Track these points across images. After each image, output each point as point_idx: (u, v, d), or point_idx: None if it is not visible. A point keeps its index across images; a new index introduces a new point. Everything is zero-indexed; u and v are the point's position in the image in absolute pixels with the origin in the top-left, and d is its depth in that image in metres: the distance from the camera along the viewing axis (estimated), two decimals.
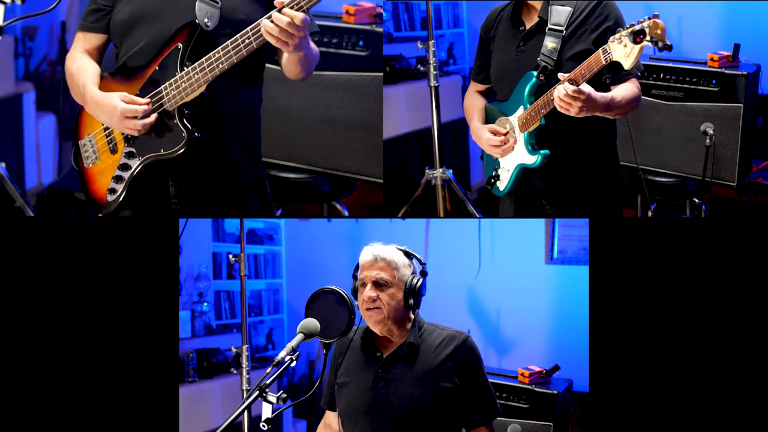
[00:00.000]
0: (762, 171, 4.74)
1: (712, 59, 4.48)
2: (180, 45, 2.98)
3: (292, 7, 2.82)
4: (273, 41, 2.84)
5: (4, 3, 2.87)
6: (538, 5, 3.26)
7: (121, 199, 3.11)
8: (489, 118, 3.44)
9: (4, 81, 5.00)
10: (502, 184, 3.41)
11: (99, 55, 3.22)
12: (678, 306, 3.21)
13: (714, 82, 4.44)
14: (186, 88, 2.97)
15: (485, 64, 3.46)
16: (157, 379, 3.25)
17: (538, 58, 3.20)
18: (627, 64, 2.92)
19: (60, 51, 5.29)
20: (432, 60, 4.37)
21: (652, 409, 3.20)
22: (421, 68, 4.97)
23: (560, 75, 3.06)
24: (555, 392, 4.29)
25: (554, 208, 3.36)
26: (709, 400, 3.18)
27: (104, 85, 3.11)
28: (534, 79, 3.20)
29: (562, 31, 3.19)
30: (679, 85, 4.52)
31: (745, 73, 4.41)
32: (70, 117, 3.24)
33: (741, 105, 4.38)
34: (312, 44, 3.03)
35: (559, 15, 3.20)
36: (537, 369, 4.39)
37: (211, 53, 2.93)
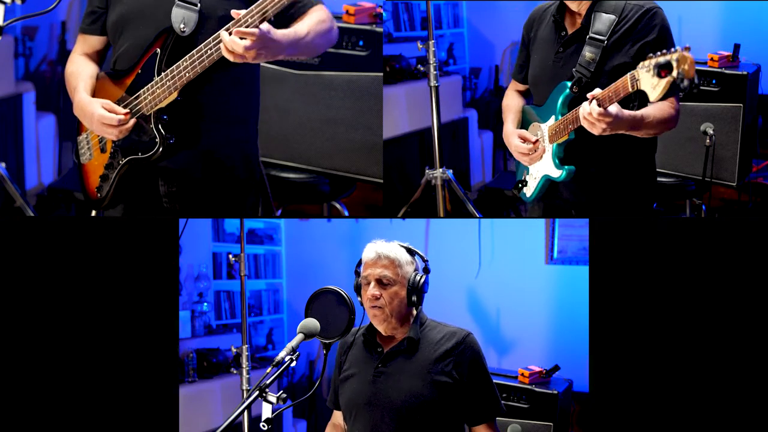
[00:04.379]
0: (762, 171, 4.74)
1: (712, 59, 4.47)
2: (158, 50, 3.00)
3: (242, 25, 2.79)
4: (230, 58, 2.82)
5: (4, 3, 2.88)
6: (581, 9, 3.10)
7: (108, 196, 3.15)
8: (524, 121, 3.36)
9: (4, 81, 4.99)
10: (529, 191, 3.35)
11: (98, 56, 3.24)
12: (678, 306, 3.20)
13: (714, 82, 4.44)
14: (159, 95, 2.99)
15: (525, 64, 3.35)
16: (157, 379, 3.25)
17: (574, 69, 3.07)
18: (653, 96, 2.69)
19: (60, 51, 5.29)
20: (432, 60, 4.37)
21: (652, 409, 3.20)
22: (421, 68, 4.96)
23: (589, 94, 2.90)
24: (555, 392, 4.29)
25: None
26: (709, 400, 3.18)
27: (100, 85, 3.14)
28: (567, 91, 3.10)
29: (603, 41, 3.01)
30: None
31: (745, 73, 4.40)
32: (71, 117, 3.24)
33: (741, 105, 4.38)
34: (307, 27, 2.93)
35: (602, 23, 3.01)
36: (537, 369, 4.38)
37: (180, 61, 2.95)
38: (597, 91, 2.90)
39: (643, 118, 2.97)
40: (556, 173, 3.20)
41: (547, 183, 3.26)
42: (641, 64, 2.71)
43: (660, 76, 2.60)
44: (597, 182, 3.20)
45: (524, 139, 3.26)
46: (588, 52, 3.04)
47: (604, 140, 3.02)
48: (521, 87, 3.44)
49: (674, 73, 2.58)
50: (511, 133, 3.33)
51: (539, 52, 3.25)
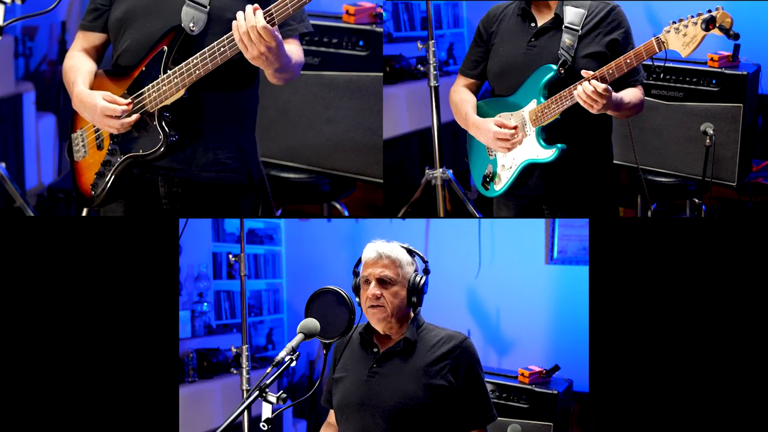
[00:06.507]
0: (762, 171, 4.74)
1: (712, 59, 4.47)
2: (165, 48, 3.00)
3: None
4: (242, 48, 2.85)
5: (4, 3, 2.88)
6: (550, 3, 3.29)
7: (103, 194, 3.13)
8: (481, 115, 3.41)
9: (4, 81, 5.00)
10: (500, 184, 3.37)
11: (97, 53, 3.23)
12: (678, 306, 3.21)
13: (714, 82, 4.44)
14: (165, 92, 2.99)
15: (482, 59, 3.45)
16: (157, 379, 3.25)
17: (559, 52, 3.21)
18: (685, 52, 3.00)
19: (60, 51, 5.29)
20: (432, 60, 4.37)
21: (652, 409, 3.20)
22: (421, 68, 4.97)
23: (584, 72, 3.09)
24: (555, 392, 4.29)
25: (554, 212, 3.35)
26: (708, 400, 3.18)
27: (98, 82, 3.13)
28: (553, 73, 3.20)
29: (577, 30, 3.23)
30: (679, 85, 4.52)
31: (745, 73, 4.41)
32: (71, 116, 3.24)
33: (741, 105, 4.38)
34: (294, 51, 3.03)
35: (574, 15, 3.25)
36: (537, 369, 4.38)
37: (190, 59, 2.95)
38: (589, 73, 3.09)
39: (623, 99, 3.17)
40: (546, 153, 3.24)
41: (526, 170, 3.29)
42: (667, 28, 3.02)
43: (707, 29, 2.95)
44: (568, 168, 3.27)
45: (502, 126, 3.31)
46: (567, 39, 3.23)
47: (582, 122, 3.21)
48: (471, 82, 3.52)
49: (719, 25, 2.95)
50: (483, 122, 3.37)
51: (506, 44, 3.37)
